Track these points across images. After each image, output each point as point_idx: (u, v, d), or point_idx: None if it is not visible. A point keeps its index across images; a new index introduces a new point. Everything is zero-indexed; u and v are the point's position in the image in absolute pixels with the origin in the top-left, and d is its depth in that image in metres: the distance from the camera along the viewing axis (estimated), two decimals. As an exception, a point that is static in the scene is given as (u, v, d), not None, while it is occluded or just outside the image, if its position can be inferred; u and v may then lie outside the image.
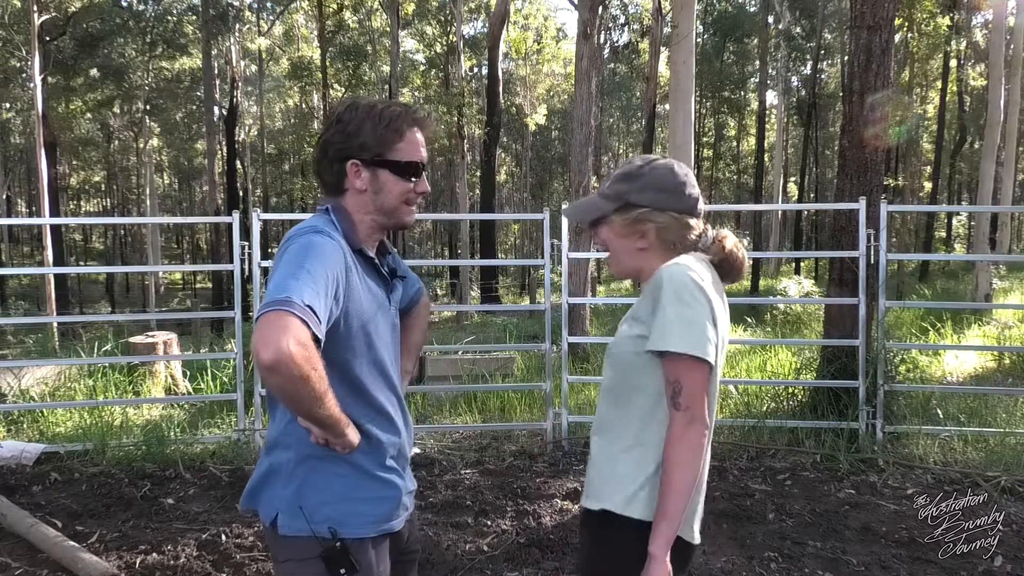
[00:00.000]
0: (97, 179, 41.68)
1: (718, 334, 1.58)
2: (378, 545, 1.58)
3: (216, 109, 25.15)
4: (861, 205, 5.05)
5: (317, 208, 1.66)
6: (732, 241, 1.71)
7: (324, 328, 1.36)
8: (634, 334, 1.61)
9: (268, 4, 32.21)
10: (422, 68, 31.89)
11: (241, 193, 30.32)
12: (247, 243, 5.02)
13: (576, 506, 4.04)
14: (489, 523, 3.85)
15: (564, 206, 1.77)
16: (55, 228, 21.44)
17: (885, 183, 7.05)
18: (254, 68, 32.56)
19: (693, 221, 1.68)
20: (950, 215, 31.87)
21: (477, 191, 32.82)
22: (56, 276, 20.86)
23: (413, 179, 1.62)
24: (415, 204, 1.65)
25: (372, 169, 1.58)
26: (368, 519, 1.56)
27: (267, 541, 1.61)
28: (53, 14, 21.75)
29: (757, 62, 31.19)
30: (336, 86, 29.57)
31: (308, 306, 1.30)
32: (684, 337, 1.49)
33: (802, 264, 30.80)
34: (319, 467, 1.52)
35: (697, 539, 1.67)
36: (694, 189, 1.68)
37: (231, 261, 5.02)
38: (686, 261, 1.60)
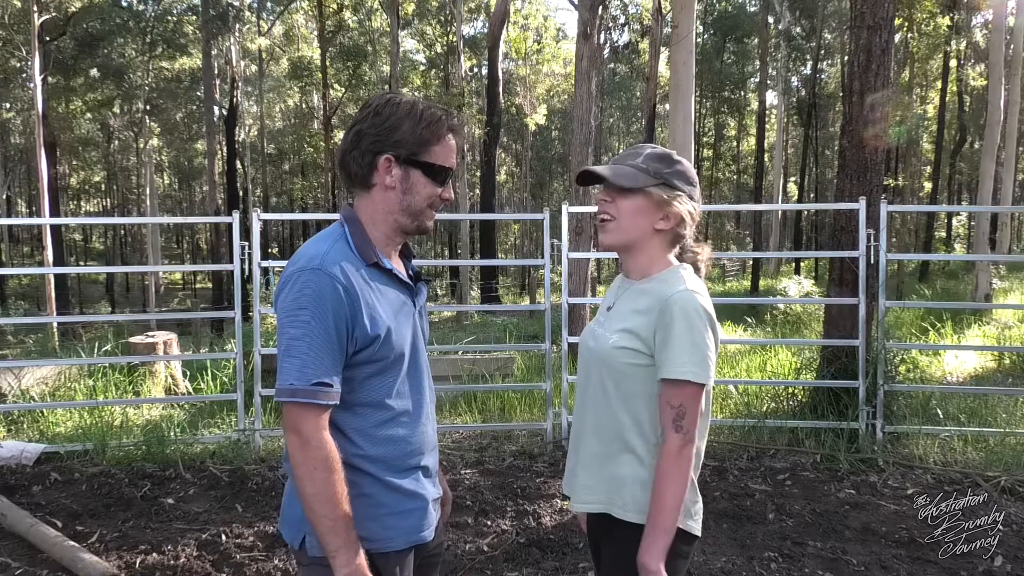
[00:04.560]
0: (97, 179, 41.68)
1: (716, 350, 1.65)
2: (404, 557, 1.57)
3: (216, 109, 25.15)
4: (861, 205, 5.05)
5: (340, 211, 1.63)
6: (707, 251, 1.82)
7: (338, 378, 1.45)
8: (630, 347, 1.64)
9: (268, 4, 32.19)
10: (422, 68, 31.90)
11: (241, 193, 30.33)
12: (247, 243, 5.02)
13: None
14: (489, 523, 3.85)
15: (591, 167, 1.78)
16: (55, 228, 21.44)
17: (885, 183, 7.05)
18: (254, 68, 32.54)
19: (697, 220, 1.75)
20: (950, 215, 31.89)
21: (477, 191, 32.83)
22: (56, 276, 20.86)
23: (441, 184, 1.59)
24: (438, 210, 1.63)
25: (405, 167, 1.53)
26: (397, 533, 1.54)
27: (296, 564, 1.61)
28: (53, 14, 21.74)
29: (757, 62, 31.22)
30: (336, 86, 29.58)
31: (316, 384, 1.41)
32: (698, 365, 1.56)
33: (802, 264, 30.78)
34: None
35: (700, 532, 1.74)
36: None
37: (231, 261, 5.02)
38: (692, 284, 1.64)
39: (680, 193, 1.68)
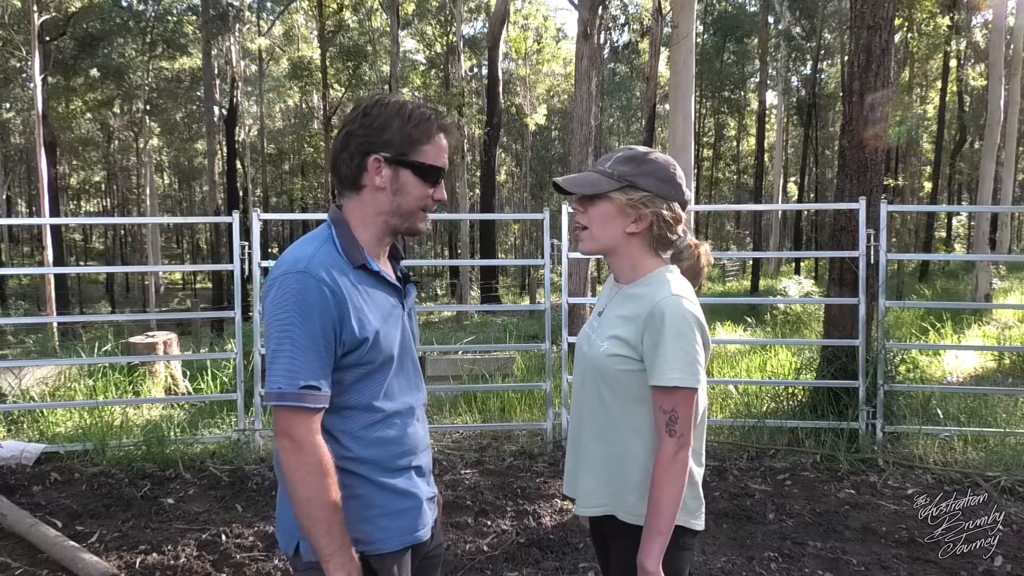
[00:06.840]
0: (97, 179, 41.66)
1: (707, 354, 1.65)
2: (401, 558, 1.56)
3: (216, 109, 25.14)
4: (861, 205, 5.05)
5: (328, 212, 1.61)
6: (705, 250, 1.78)
7: (327, 381, 1.43)
8: (621, 354, 1.64)
9: (268, 4, 32.20)
10: (422, 68, 31.89)
11: (241, 193, 30.33)
12: (247, 243, 5.02)
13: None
14: (489, 523, 3.85)
15: (556, 179, 1.76)
16: (55, 228, 21.45)
17: (885, 183, 7.05)
18: (254, 68, 32.53)
19: (683, 219, 1.71)
20: (950, 215, 31.86)
21: (477, 191, 32.84)
22: (56, 276, 20.87)
23: (433, 185, 1.56)
24: (430, 211, 1.60)
25: (394, 168, 1.51)
26: (391, 533, 1.53)
27: (291, 570, 1.60)
28: (53, 14, 21.74)
29: (757, 62, 31.21)
30: (336, 86, 29.55)
31: (305, 388, 1.40)
32: (685, 371, 1.57)
33: (802, 264, 30.77)
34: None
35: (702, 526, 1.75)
36: (687, 189, 1.72)
37: (231, 261, 5.02)
38: (678, 288, 1.63)
39: (646, 194, 1.64)
